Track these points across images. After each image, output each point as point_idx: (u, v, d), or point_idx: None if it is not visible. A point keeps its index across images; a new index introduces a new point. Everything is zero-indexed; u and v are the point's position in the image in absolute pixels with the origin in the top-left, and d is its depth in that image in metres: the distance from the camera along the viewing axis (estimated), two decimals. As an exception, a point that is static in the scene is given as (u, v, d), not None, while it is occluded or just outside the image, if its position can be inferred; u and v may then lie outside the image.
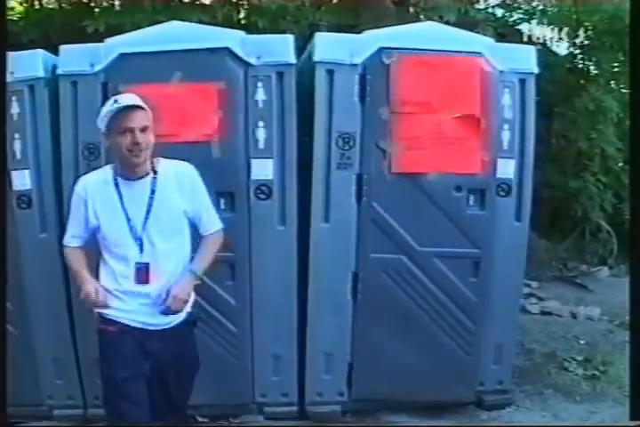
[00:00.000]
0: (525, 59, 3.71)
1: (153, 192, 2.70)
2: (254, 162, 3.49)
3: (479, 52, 3.58)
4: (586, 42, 7.70)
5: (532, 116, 3.71)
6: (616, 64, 7.83)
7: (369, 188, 3.57)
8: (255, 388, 3.73)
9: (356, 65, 3.49)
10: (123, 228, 2.71)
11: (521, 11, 7.63)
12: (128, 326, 2.75)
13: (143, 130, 2.61)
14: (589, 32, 7.56)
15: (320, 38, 3.53)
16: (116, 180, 2.72)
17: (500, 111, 3.64)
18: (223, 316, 3.62)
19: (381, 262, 3.65)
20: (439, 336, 3.74)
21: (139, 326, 2.76)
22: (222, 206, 3.48)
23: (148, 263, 2.72)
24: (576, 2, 7.05)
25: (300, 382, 3.75)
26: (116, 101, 2.62)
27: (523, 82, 3.68)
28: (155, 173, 2.72)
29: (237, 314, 3.62)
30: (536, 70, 3.70)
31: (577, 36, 7.70)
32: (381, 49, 3.49)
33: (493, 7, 7.43)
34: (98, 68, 3.44)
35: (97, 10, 5.11)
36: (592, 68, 7.95)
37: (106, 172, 2.77)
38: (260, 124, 3.47)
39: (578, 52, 7.91)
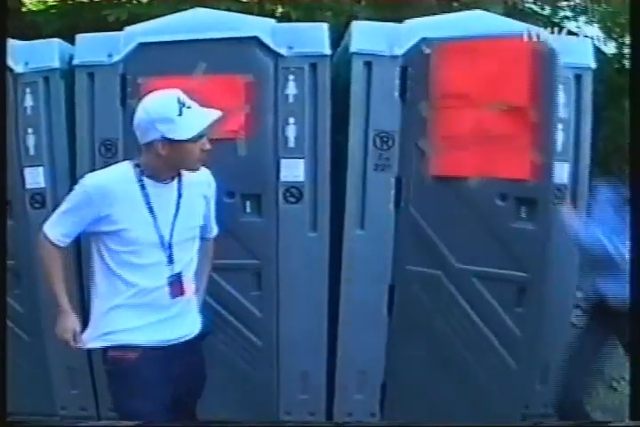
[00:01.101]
0: (582, 52, 3.41)
1: (180, 196, 2.49)
2: (284, 162, 3.30)
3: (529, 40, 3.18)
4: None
5: (589, 116, 3.43)
6: None
7: (408, 192, 3.34)
8: (280, 405, 3.53)
9: (396, 57, 3.26)
10: (150, 234, 2.44)
11: (569, 8, 7.40)
12: (148, 347, 2.45)
13: (207, 134, 2.44)
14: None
15: (357, 27, 3.31)
16: (141, 180, 2.44)
17: (554, 106, 3.26)
18: (247, 328, 3.43)
19: (418, 276, 3.39)
20: (473, 367, 3.37)
21: (157, 344, 2.48)
22: (248, 210, 3.32)
23: (180, 273, 2.49)
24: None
25: (328, 401, 3.54)
26: (184, 105, 2.35)
27: (579, 77, 3.38)
28: (179, 175, 2.50)
29: (263, 326, 3.43)
30: (594, 65, 3.41)
31: (626, 36, 7.47)
32: (424, 39, 3.25)
33: (544, 2, 7.19)
34: (116, 58, 3.28)
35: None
36: None
37: (126, 169, 2.46)
38: (291, 120, 3.28)
39: (627, 51, 7.69)
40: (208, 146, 2.40)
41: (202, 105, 3.08)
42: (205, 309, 2.76)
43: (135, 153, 2.57)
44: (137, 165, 2.45)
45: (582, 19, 7.36)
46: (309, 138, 3.29)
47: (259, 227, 3.30)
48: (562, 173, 3.35)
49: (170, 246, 2.45)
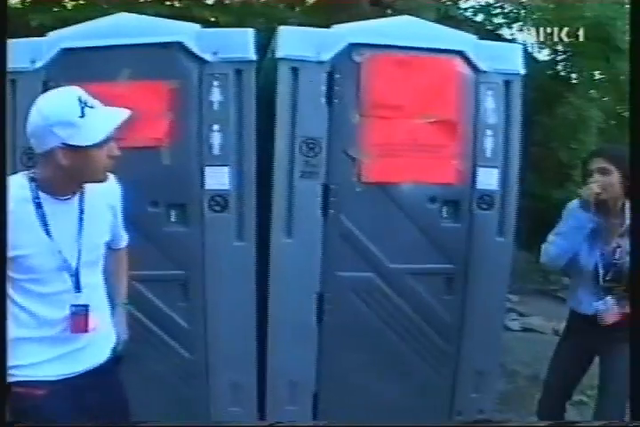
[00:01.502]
0: (511, 58, 3.49)
1: (82, 212, 2.16)
2: (208, 170, 3.25)
3: (460, 51, 3.38)
4: (568, 49, 7.65)
5: (518, 122, 3.50)
6: (598, 72, 7.81)
7: (336, 199, 3.33)
8: (212, 419, 3.46)
9: (323, 62, 3.25)
10: (50, 259, 2.11)
11: (502, 14, 7.55)
12: (56, 381, 2.17)
13: (114, 138, 2.12)
14: (571, 39, 7.50)
15: (284, 32, 3.28)
16: (37, 198, 2.08)
17: (482, 116, 3.45)
18: (175, 340, 3.37)
19: (349, 281, 3.41)
20: (412, 360, 3.53)
21: (66, 377, 2.20)
22: (173, 219, 3.27)
23: (87, 306, 2.17)
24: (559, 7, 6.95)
25: (260, 413, 3.50)
26: (86, 104, 2.02)
27: (508, 84, 3.46)
28: (81, 190, 2.18)
29: (191, 339, 3.37)
30: (523, 71, 3.49)
31: (559, 43, 7.64)
32: (352, 45, 3.27)
33: (475, 8, 7.34)
34: (39, 64, 3.18)
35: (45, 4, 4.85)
36: (573, 75, 7.96)
37: (21, 184, 2.09)
38: (216, 127, 3.23)
39: (560, 58, 7.88)
40: (116, 151, 2.09)
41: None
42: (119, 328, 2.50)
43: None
44: (32, 179, 2.10)
45: (515, 26, 7.56)
46: (234, 145, 3.26)
47: (184, 236, 3.26)
48: (491, 178, 3.48)
49: (77, 271, 2.15)
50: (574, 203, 3.02)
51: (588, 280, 2.99)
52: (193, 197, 3.26)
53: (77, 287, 2.15)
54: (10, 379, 2.13)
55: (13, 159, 3.19)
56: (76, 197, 2.16)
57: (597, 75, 7.66)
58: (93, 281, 2.24)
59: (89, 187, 2.17)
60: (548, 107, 7.12)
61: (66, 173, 2.06)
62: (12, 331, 2.11)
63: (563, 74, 7.90)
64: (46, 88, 3.06)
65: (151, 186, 3.16)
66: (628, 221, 2.89)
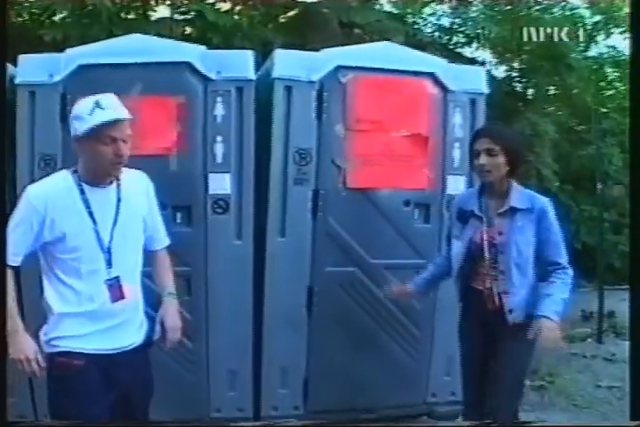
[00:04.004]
0: (476, 79, 3.87)
1: (119, 200, 2.46)
2: (212, 176, 3.50)
3: (432, 73, 3.73)
4: (523, 66, 7.97)
5: None
6: (552, 88, 8.16)
7: (324, 203, 3.63)
8: (211, 403, 3.69)
9: (313, 82, 3.56)
10: (90, 239, 2.40)
11: (463, 35, 7.84)
12: (94, 355, 2.41)
13: (125, 140, 2.39)
14: (527, 56, 7.78)
15: (279, 55, 3.58)
16: (80, 185, 2.41)
17: (450, 130, 3.78)
18: None
19: (336, 275, 3.70)
20: (389, 345, 3.82)
21: (103, 352, 2.44)
22: (179, 220, 3.50)
23: (118, 277, 2.43)
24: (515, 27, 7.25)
25: (255, 397, 3.73)
26: (99, 106, 2.34)
27: (473, 101, 3.83)
28: (117, 180, 2.48)
29: (193, 329, 3.53)
30: (486, 90, 3.86)
31: (515, 60, 7.98)
32: (338, 67, 3.58)
33: (439, 30, 7.63)
34: (57, 78, 3.41)
35: (55, 19, 5.06)
36: (529, 91, 8.24)
37: (65, 178, 2.45)
38: (218, 138, 3.49)
39: (515, 75, 8.18)
40: (124, 151, 2.36)
41: (136, 123, 3.33)
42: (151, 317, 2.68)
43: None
44: (75, 171, 2.44)
45: (475, 45, 7.89)
46: (235, 154, 3.51)
47: (189, 236, 3.48)
48: (458, 184, 3.82)
49: (109, 250, 2.41)
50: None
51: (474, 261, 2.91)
52: (197, 200, 3.51)
53: (109, 264, 2.42)
54: (52, 349, 2.41)
55: (31, 164, 3.44)
56: (114, 186, 2.47)
57: (551, 90, 7.95)
58: (128, 262, 2.48)
59: (125, 180, 2.49)
60: (506, 122, 7.38)
61: (85, 162, 2.42)
62: (58, 306, 2.41)
63: (519, 90, 8.14)
64: (64, 100, 3.38)
65: (159, 190, 3.37)
66: (510, 204, 2.81)
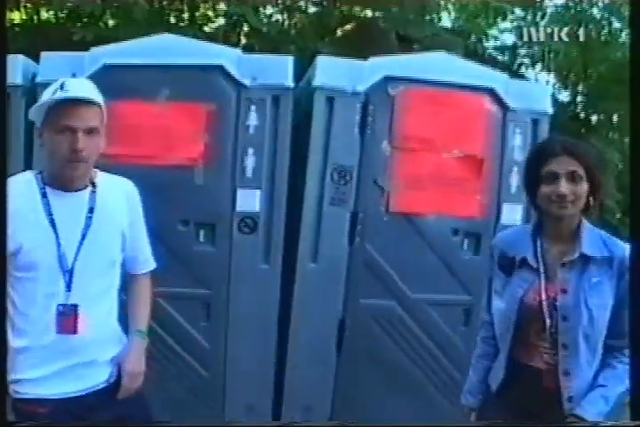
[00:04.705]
0: (540, 98, 3.58)
1: (91, 210, 2.03)
2: (240, 192, 3.29)
3: (491, 88, 3.44)
4: (590, 90, 7.67)
5: None
6: (617, 114, 7.84)
7: (363, 227, 3.36)
8: None
9: (358, 93, 3.32)
10: (50, 254, 1.98)
11: (527, 55, 7.61)
12: (59, 399, 2.01)
13: (89, 132, 1.94)
14: (593, 80, 7.55)
15: (322, 62, 3.35)
16: (43, 189, 2.00)
17: (509, 153, 3.50)
18: (194, 359, 3.38)
19: (371, 308, 3.43)
20: (427, 389, 3.54)
21: (69, 396, 2.03)
22: (202, 239, 3.30)
23: (76, 306, 1.99)
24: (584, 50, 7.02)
25: None
26: (62, 87, 1.93)
27: (536, 122, 3.52)
28: (93, 185, 2.05)
29: (210, 358, 3.38)
30: (551, 111, 3.57)
31: (581, 84, 7.72)
32: (387, 78, 3.33)
33: (501, 47, 7.41)
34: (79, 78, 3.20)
35: (86, 19, 4.94)
36: (594, 117, 7.97)
37: (27, 179, 2.02)
38: (250, 151, 3.28)
39: (580, 99, 7.90)
40: (79, 144, 1.91)
41: (161, 131, 3.09)
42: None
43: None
44: (39, 171, 2.05)
45: (539, 66, 7.63)
46: (267, 169, 3.30)
47: (211, 256, 3.28)
48: (514, 214, 3.50)
49: (71, 271, 1.99)
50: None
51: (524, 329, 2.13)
52: (223, 217, 3.28)
53: (68, 286, 1.99)
54: (14, 395, 2.02)
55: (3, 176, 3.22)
56: (87, 192, 2.04)
57: (617, 116, 7.69)
58: (92, 289, 2.04)
59: (103, 185, 2.07)
60: None
61: (44, 159, 2.03)
62: (12, 340, 1.99)
63: (583, 115, 7.89)
64: (5, 96, 3.09)
65: (182, 205, 3.20)
66: (582, 250, 2.04)
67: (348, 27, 6.17)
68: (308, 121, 3.32)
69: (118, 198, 2.12)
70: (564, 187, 2.00)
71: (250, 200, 3.29)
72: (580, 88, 7.84)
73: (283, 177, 3.31)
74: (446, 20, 7.05)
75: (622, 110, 7.59)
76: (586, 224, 2.09)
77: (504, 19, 7.51)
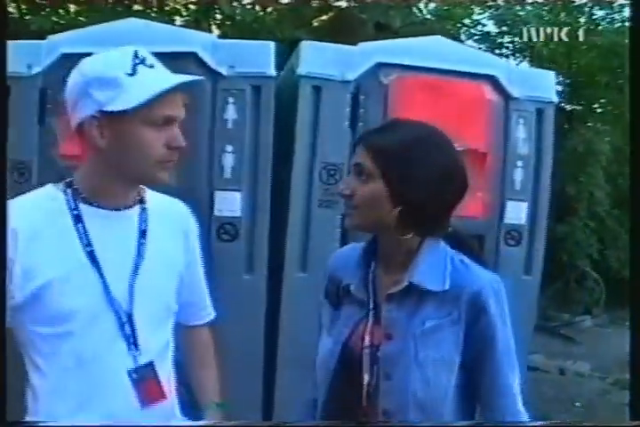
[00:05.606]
0: (544, 85, 3.46)
1: (144, 234, 1.53)
2: (218, 194, 3.13)
3: (492, 75, 3.31)
4: (574, 79, 7.80)
5: (550, 153, 3.45)
6: (603, 101, 7.88)
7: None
8: None
9: (348, 82, 3.18)
10: (94, 297, 1.46)
11: (506, 47, 7.69)
12: None
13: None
14: (578, 68, 7.69)
15: (306, 48, 3.19)
16: (75, 208, 1.47)
17: (512, 146, 3.38)
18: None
19: None
20: None
21: None
22: None
23: (152, 363, 1.50)
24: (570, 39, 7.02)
25: None
26: (143, 61, 1.46)
27: (540, 112, 3.42)
28: (142, 201, 1.56)
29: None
30: (555, 99, 3.47)
31: (567, 75, 7.75)
32: (379, 65, 3.18)
33: (481, 38, 7.39)
34: (36, 70, 3.10)
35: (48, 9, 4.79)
36: (582, 107, 8.09)
37: (51, 196, 1.49)
38: (229, 148, 3.12)
39: (568, 90, 7.91)
40: (180, 141, 1.45)
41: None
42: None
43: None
44: (68, 186, 1.50)
45: (520, 56, 7.60)
46: (248, 169, 3.15)
47: None
48: (520, 212, 3.42)
49: (130, 319, 1.48)
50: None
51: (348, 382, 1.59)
52: (200, 224, 3.01)
53: (133, 343, 1.48)
54: None
55: (3, 175, 3.05)
56: (135, 211, 1.53)
57: (608, 107, 7.73)
58: (160, 340, 1.57)
59: (155, 201, 1.58)
60: (557, 139, 7.13)
61: (106, 162, 1.46)
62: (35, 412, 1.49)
63: (571, 106, 7.94)
64: (43, 96, 3.07)
65: None
66: (411, 278, 1.48)
67: (324, 16, 6.26)
68: (293, 114, 3.18)
69: (175, 227, 1.65)
70: (343, 183, 1.55)
71: (229, 204, 3.14)
72: (564, 77, 7.84)
73: (266, 177, 3.18)
74: (426, 9, 7.15)
75: (608, 98, 7.64)
76: (430, 244, 1.51)
77: (484, 7, 7.50)
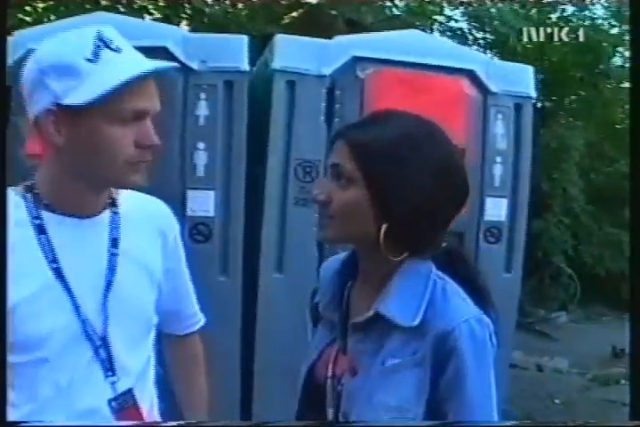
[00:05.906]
0: (522, 80, 3.45)
1: (115, 243, 1.36)
2: (191, 194, 3.07)
3: (470, 70, 3.29)
4: (549, 76, 7.77)
5: (529, 148, 3.44)
6: (576, 97, 7.91)
7: None
8: None
9: (323, 76, 3.13)
10: (64, 322, 1.30)
11: (484, 44, 7.74)
12: None
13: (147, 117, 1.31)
14: (555, 65, 7.68)
15: (281, 41, 3.13)
16: (37, 219, 1.30)
17: (491, 141, 3.36)
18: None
19: None
20: None
21: None
22: None
23: (132, 390, 1.37)
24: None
25: None
26: (108, 45, 1.25)
27: (518, 107, 3.42)
28: (113, 204, 1.38)
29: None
30: (534, 94, 3.46)
31: (540, 70, 7.74)
32: (355, 59, 3.14)
33: (455, 35, 7.38)
34: None
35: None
36: (554, 104, 8.10)
37: (14, 202, 1.31)
38: (201, 145, 3.05)
39: (540, 86, 7.89)
40: (153, 138, 1.27)
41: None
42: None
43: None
44: (28, 190, 1.32)
45: (491, 52, 7.58)
46: (221, 166, 3.08)
47: None
48: (499, 209, 3.41)
49: (105, 342, 1.33)
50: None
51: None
52: None
53: (109, 368, 1.33)
54: None
55: (3, 175, 2.97)
56: (106, 217, 1.36)
57: (582, 102, 7.75)
58: (138, 362, 1.41)
59: (129, 200, 1.41)
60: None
61: (67, 164, 1.29)
62: None
63: (545, 102, 7.98)
64: (7, 94, 2.86)
65: None
66: (377, 307, 1.23)
67: (295, 12, 6.28)
68: (267, 110, 3.13)
69: (150, 227, 1.46)
70: (318, 187, 1.28)
71: (202, 203, 3.08)
72: (537, 73, 7.83)
73: (239, 175, 3.10)
74: (397, 7, 7.13)
75: (581, 93, 7.67)
76: (410, 266, 1.24)
77: (456, 4, 7.48)
